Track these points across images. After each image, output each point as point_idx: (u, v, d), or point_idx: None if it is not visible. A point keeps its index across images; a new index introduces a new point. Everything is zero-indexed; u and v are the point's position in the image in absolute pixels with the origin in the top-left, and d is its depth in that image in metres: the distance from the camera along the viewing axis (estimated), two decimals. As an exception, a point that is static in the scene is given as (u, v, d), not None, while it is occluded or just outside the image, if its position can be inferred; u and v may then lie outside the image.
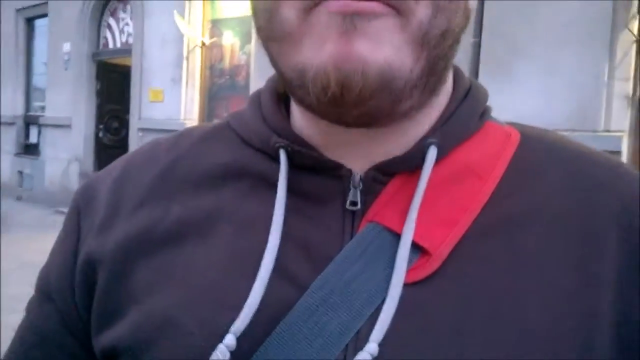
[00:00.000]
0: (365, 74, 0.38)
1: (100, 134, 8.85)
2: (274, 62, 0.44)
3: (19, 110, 10.27)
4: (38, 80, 10.31)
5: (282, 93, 0.52)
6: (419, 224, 0.42)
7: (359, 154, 0.46)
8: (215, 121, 0.57)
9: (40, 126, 9.76)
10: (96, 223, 0.51)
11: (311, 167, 0.45)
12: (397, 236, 0.42)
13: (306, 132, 0.47)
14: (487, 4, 4.65)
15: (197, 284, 0.44)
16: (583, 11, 4.14)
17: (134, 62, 7.94)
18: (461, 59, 4.91)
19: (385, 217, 0.43)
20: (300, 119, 0.48)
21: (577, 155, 0.48)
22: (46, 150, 9.46)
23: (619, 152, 4.04)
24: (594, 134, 4.11)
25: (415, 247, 0.42)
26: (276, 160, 0.46)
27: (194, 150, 0.52)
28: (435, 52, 0.40)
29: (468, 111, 0.47)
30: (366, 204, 0.44)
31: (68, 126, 8.89)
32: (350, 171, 0.45)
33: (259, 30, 0.44)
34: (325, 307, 0.41)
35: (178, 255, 0.46)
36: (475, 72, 4.70)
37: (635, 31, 4.08)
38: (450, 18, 0.40)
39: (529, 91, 4.42)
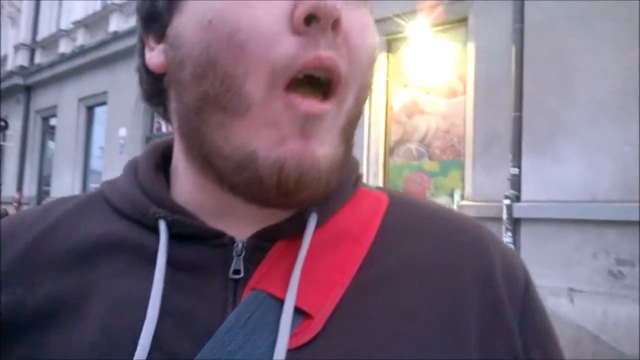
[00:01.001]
0: (317, 172, 0.42)
1: (151, 213, 9.11)
2: (208, 130, 0.43)
3: (76, 191, 10.76)
4: (94, 163, 10.86)
5: (160, 163, 0.52)
6: (301, 289, 0.43)
7: (244, 220, 0.47)
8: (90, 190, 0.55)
9: (95, 207, 10.15)
10: None
11: (192, 237, 0.45)
12: (281, 302, 0.43)
13: (192, 200, 0.48)
14: (526, 79, 4.73)
15: None
16: (623, 84, 4.16)
17: (184, 144, 8.30)
18: (503, 132, 4.96)
19: (268, 284, 0.44)
20: (190, 187, 0.48)
21: (443, 217, 0.53)
22: (100, 230, 9.78)
23: (674, 223, 3.90)
24: (646, 204, 4.00)
25: (298, 311, 0.43)
26: (155, 231, 0.45)
27: (62, 224, 0.49)
28: (351, 136, 0.46)
29: (344, 180, 0.50)
30: (249, 272, 0.45)
31: (121, 206, 9.22)
32: (232, 239, 0.45)
33: (205, 94, 0.43)
34: None
35: (48, 337, 0.43)
36: (518, 145, 4.70)
37: (680, 101, 4.05)
38: (362, 107, 0.47)
39: (572, 163, 4.39)
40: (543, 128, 4.58)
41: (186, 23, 0.44)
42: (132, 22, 9.79)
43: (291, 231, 0.46)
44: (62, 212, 0.51)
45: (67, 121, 11.09)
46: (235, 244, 0.45)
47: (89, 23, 11.05)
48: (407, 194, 0.57)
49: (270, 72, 0.41)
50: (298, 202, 0.44)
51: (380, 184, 5.79)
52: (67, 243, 0.47)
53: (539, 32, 4.67)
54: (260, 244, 0.46)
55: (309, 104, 0.41)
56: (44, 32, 12.66)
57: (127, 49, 9.43)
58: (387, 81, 5.94)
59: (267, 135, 0.41)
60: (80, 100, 10.94)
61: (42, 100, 12.23)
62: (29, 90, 12.66)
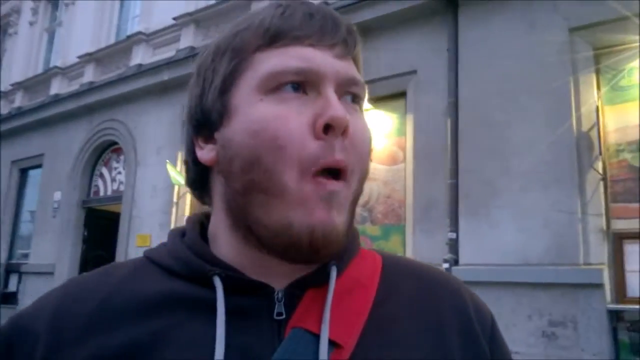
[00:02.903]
0: (337, 233, 0.56)
1: (83, 281, 8.64)
2: (252, 208, 0.57)
3: (1, 258, 10.15)
4: (22, 228, 10.37)
5: (199, 231, 0.65)
6: (331, 325, 0.57)
7: (277, 274, 0.60)
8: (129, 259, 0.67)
9: (21, 274, 9.57)
10: (36, 357, 0.55)
11: (240, 288, 0.58)
12: (317, 336, 0.56)
13: (234, 260, 0.60)
14: (461, 149, 5.00)
15: None
16: (551, 155, 4.47)
17: (123, 209, 8.09)
18: (439, 198, 5.11)
19: (305, 323, 0.58)
20: (232, 251, 0.61)
21: (423, 270, 0.70)
22: (25, 299, 9.16)
23: (601, 285, 4.11)
24: (575, 267, 4.21)
25: (330, 343, 0.56)
26: (207, 286, 0.58)
27: (125, 285, 0.60)
28: (354, 209, 0.61)
29: (351, 240, 0.65)
30: (288, 314, 0.58)
31: (51, 273, 8.75)
32: (273, 289, 0.59)
33: (251, 181, 0.57)
34: None
35: None
36: (455, 211, 4.90)
37: (600, 170, 4.38)
38: (363, 187, 0.62)
39: (507, 229, 4.59)
40: (478, 195, 4.81)
41: (236, 131, 0.58)
42: (75, 85, 9.73)
43: (318, 281, 0.60)
44: (120, 276, 0.61)
45: (-3, 184, 10.63)
46: (275, 293, 0.59)
47: (29, 85, 10.89)
48: (390, 252, 0.73)
49: (300, 168, 0.55)
50: (323, 256, 0.57)
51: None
52: (133, 301, 0.58)
53: (472, 106, 5.01)
54: (295, 291, 0.60)
55: (331, 184, 0.56)
56: (-21, 93, 12.32)
57: (67, 112, 9.31)
58: (330, 148, 6.10)
59: (299, 211, 0.55)
60: (14, 162, 10.58)
61: (-29, 162, 11.74)
62: (-43, 151, 12.15)
